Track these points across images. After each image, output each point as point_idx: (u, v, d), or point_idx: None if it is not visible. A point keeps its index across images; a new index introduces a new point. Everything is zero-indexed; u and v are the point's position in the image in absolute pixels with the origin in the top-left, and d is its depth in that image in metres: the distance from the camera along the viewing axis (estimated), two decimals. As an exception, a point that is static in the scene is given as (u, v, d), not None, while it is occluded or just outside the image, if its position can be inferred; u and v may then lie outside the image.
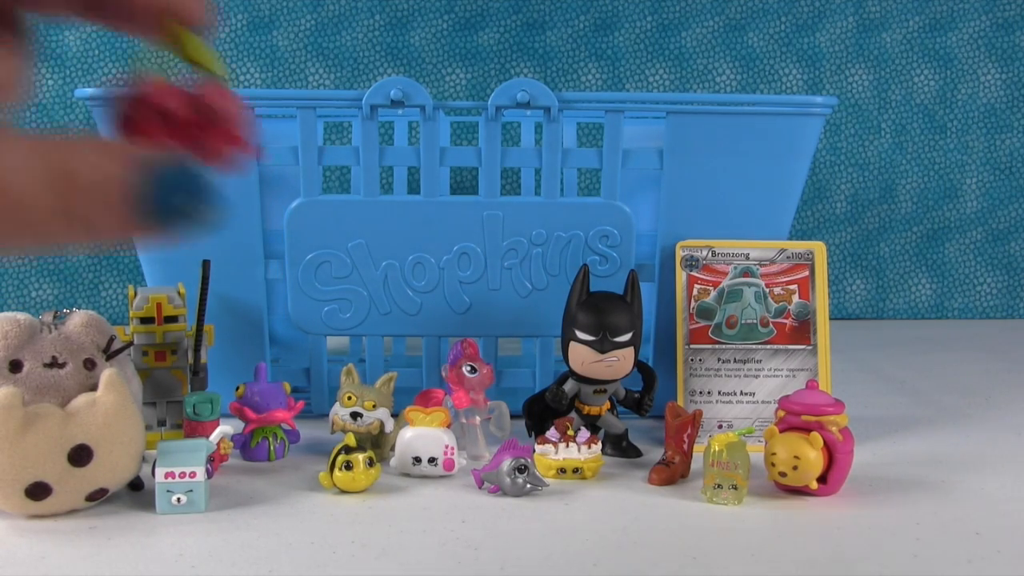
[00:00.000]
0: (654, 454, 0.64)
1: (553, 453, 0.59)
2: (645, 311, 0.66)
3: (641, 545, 0.49)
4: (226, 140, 0.23)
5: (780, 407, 0.58)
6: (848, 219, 1.25)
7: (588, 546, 0.49)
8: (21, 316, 0.54)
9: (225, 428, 0.58)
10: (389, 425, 0.62)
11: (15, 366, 0.52)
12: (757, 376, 0.68)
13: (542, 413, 0.65)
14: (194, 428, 0.60)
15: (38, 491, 0.50)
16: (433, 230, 0.70)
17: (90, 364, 0.54)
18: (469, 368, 0.64)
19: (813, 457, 0.55)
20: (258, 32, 1.16)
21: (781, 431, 0.57)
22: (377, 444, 0.62)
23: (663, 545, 0.49)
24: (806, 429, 0.56)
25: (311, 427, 0.69)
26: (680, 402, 0.67)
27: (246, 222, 0.70)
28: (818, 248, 0.70)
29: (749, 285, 0.70)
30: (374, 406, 0.62)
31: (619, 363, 0.62)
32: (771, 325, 0.69)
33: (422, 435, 0.59)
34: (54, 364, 0.53)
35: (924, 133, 1.24)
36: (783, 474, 0.55)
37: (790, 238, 0.79)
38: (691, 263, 0.70)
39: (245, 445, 0.63)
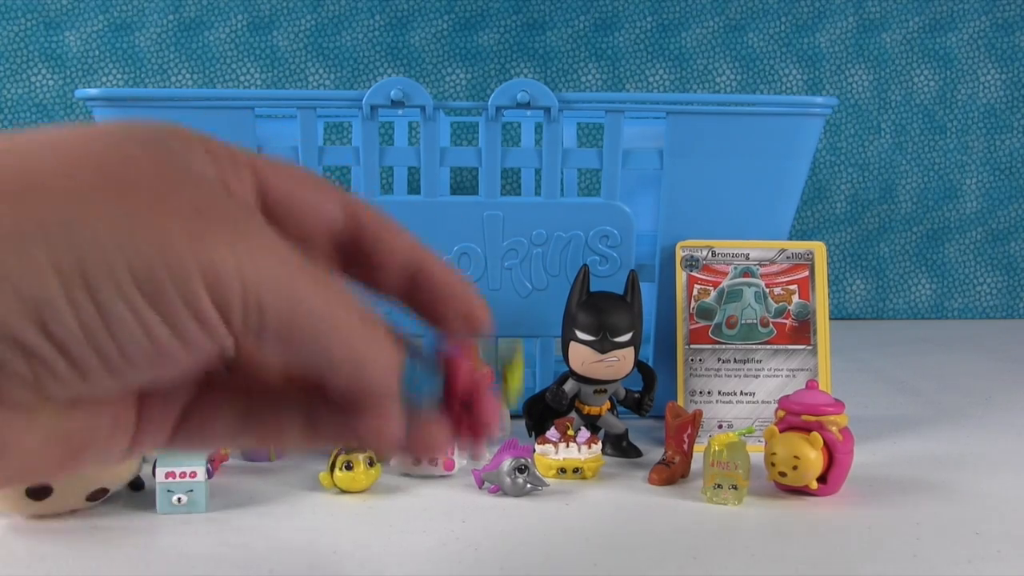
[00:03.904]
0: (654, 454, 0.64)
1: (553, 453, 0.59)
2: (645, 311, 0.66)
3: (641, 545, 0.49)
4: (471, 432, 0.27)
5: (780, 407, 0.58)
6: (848, 219, 1.25)
7: (588, 546, 0.49)
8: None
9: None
10: (389, 425, 0.62)
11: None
12: (757, 376, 0.68)
13: (542, 413, 0.65)
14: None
15: (39, 491, 0.50)
16: (433, 230, 0.70)
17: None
18: (469, 368, 0.64)
19: (813, 457, 0.55)
20: (258, 32, 1.16)
21: (781, 431, 0.57)
22: (377, 444, 0.62)
23: (663, 545, 0.49)
24: (806, 429, 0.56)
25: (311, 427, 0.69)
26: (680, 402, 0.67)
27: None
28: (818, 248, 0.70)
29: (749, 285, 0.70)
30: (374, 406, 0.62)
31: (619, 363, 0.62)
32: (771, 325, 0.69)
33: (422, 435, 0.59)
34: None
35: (924, 133, 1.24)
36: (783, 474, 0.55)
37: (790, 238, 0.79)
38: (691, 263, 0.70)
39: (245, 445, 0.63)
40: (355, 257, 0.26)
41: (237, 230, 0.21)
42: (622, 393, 0.65)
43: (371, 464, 0.56)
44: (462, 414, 0.26)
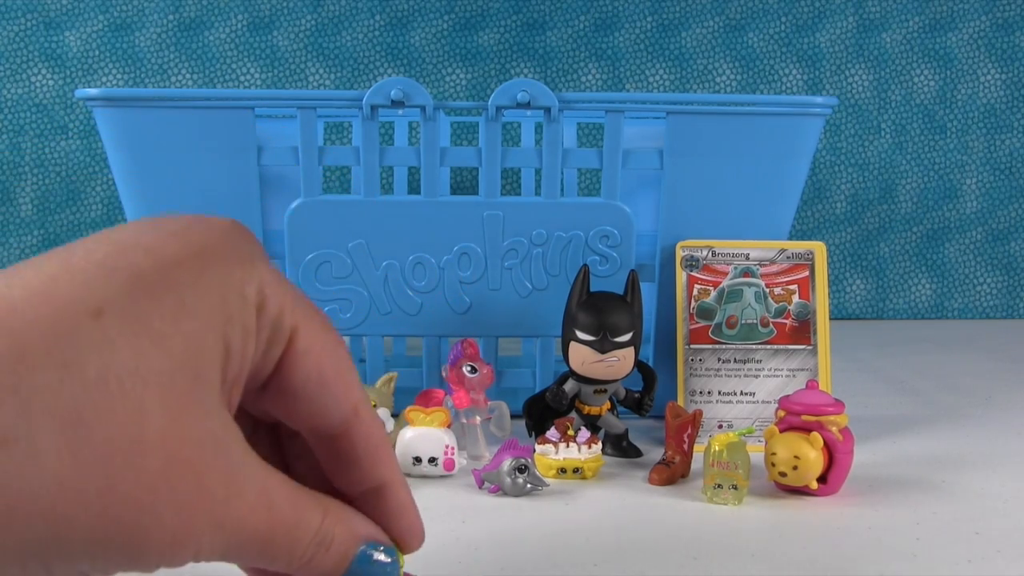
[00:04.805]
0: (654, 454, 0.64)
1: (553, 453, 0.59)
2: (645, 311, 0.66)
3: (641, 545, 0.49)
4: None
5: (780, 407, 0.58)
6: (848, 219, 1.25)
7: (588, 546, 0.49)
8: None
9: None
10: (389, 425, 0.62)
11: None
12: (757, 376, 0.68)
13: (542, 413, 0.65)
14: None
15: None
16: (433, 230, 0.70)
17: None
18: (469, 368, 0.64)
19: (813, 457, 0.55)
20: (258, 32, 1.16)
21: (781, 431, 0.57)
22: (377, 444, 0.62)
23: (663, 545, 0.49)
24: (806, 429, 0.56)
25: (311, 427, 0.69)
26: (680, 402, 0.67)
27: (246, 222, 0.69)
28: (818, 248, 0.70)
29: (749, 285, 0.70)
30: (374, 406, 0.62)
31: (619, 363, 0.62)
32: (771, 325, 0.69)
33: (422, 435, 0.59)
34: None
35: (924, 133, 1.24)
36: (783, 474, 0.55)
37: (790, 238, 0.79)
38: (691, 263, 0.70)
39: (245, 445, 0.63)
40: (332, 450, 0.28)
41: (214, 516, 0.22)
42: (622, 393, 0.65)
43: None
44: None
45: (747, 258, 0.70)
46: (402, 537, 0.29)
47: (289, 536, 0.25)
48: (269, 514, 0.24)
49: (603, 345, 0.62)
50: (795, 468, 0.55)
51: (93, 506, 0.20)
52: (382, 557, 0.27)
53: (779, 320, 0.69)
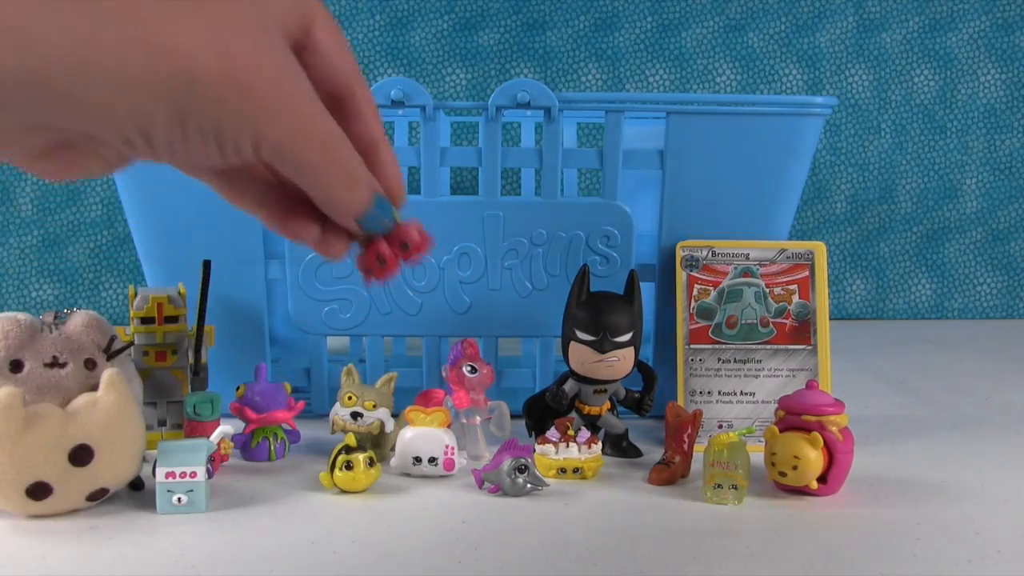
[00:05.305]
0: (654, 454, 0.64)
1: (553, 453, 0.59)
2: (645, 311, 0.66)
3: (641, 545, 0.49)
4: (413, 251, 0.41)
5: (780, 407, 0.58)
6: (848, 219, 1.25)
7: (588, 546, 0.49)
8: (22, 316, 0.54)
9: (225, 428, 0.58)
10: (389, 425, 0.62)
11: (16, 366, 0.52)
12: (757, 376, 0.68)
13: (542, 413, 0.65)
14: (194, 428, 0.60)
15: (39, 491, 0.50)
16: (433, 230, 0.70)
17: (91, 364, 0.54)
18: (469, 368, 0.64)
19: (813, 457, 0.55)
20: (258, 32, 1.16)
21: (781, 431, 0.57)
22: (377, 444, 0.63)
23: (663, 545, 0.49)
24: (806, 429, 0.56)
25: (311, 427, 0.69)
26: (680, 402, 0.67)
27: (246, 222, 0.70)
28: (818, 248, 0.70)
29: (749, 285, 0.70)
30: (374, 406, 0.62)
31: (619, 363, 0.62)
32: (771, 325, 0.69)
33: (422, 435, 0.59)
34: (55, 364, 0.53)
35: (924, 133, 1.24)
36: (783, 474, 0.55)
37: (790, 238, 0.79)
38: (691, 263, 0.70)
39: (245, 445, 0.63)
40: (343, 110, 0.35)
41: (291, 114, 0.30)
42: (622, 393, 0.65)
43: (371, 464, 0.56)
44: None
45: (747, 258, 0.70)
46: (392, 190, 0.37)
47: (340, 150, 0.33)
48: (330, 123, 0.32)
49: (603, 345, 0.62)
50: (795, 468, 0.55)
51: (221, 60, 0.28)
52: (386, 203, 0.36)
53: (779, 320, 0.69)
